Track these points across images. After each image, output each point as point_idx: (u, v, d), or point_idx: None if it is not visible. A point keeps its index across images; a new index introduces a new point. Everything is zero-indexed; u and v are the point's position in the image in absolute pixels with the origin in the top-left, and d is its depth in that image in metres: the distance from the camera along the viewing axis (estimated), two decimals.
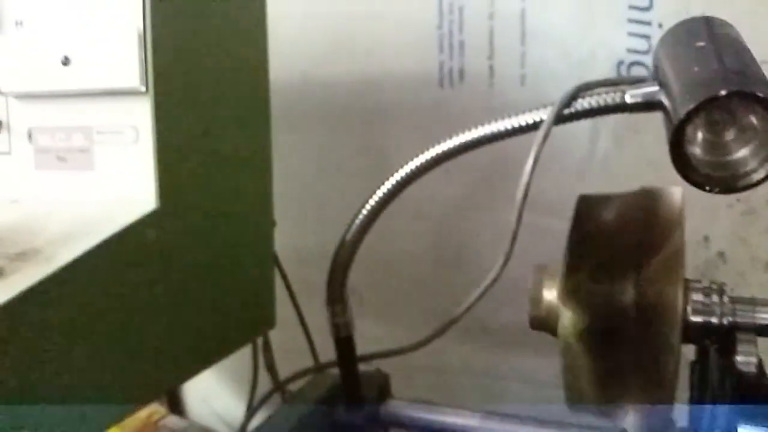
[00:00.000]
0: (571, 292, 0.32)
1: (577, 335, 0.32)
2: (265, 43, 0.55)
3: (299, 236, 0.77)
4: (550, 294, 0.33)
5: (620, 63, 0.69)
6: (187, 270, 0.48)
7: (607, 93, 0.43)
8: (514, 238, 0.43)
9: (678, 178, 0.36)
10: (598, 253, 0.32)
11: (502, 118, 0.46)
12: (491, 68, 0.74)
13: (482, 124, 0.46)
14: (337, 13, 0.79)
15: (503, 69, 0.74)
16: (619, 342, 0.32)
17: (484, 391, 0.81)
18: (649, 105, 0.41)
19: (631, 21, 0.68)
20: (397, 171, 0.49)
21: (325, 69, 0.80)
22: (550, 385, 0.77)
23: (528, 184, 0.42)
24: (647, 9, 0.67)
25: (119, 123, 0.46)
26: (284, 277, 0.65)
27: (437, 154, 0.48)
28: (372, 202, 0.51)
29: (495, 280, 0.46)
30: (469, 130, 0.47)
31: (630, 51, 0.68)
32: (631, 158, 0.71)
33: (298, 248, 0.76)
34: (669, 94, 0.39)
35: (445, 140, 0.48)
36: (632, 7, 0.68)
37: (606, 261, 0.32)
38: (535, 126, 0.44)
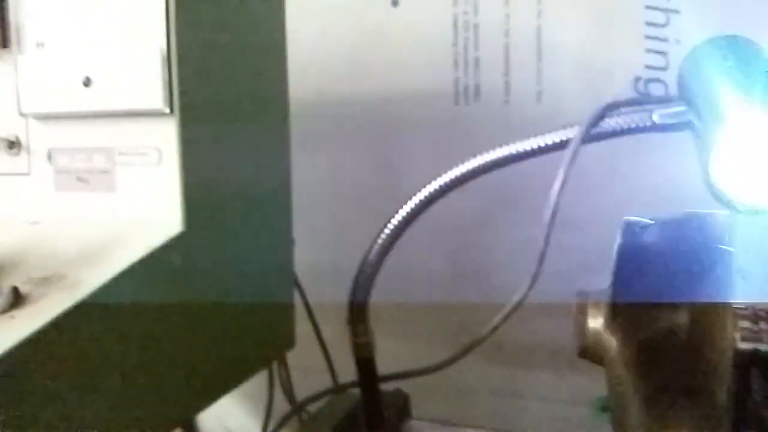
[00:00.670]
0: (618, 320, 0.32)
1: (624, 363, 0.32)
2: (284, 62, 0.55)
3: (314, 253, 0.77)
4: (596, 322, 0.33)
5: (638, 79, 0.69)
6: (211, 293, 0.48)
7: (634, 113, 0.42)
8: (541, 259, 0.43)
9: (699, 193, 0.36)
10: (645, 279, 0.32)
11: (519, 134, 0.46)
12: (507, 85, 0.74)
13: (498, 141, 0.46)
14: (352, 31, 0.79)
15: (519, 85, 0.74)
16: (668, 370, 0.31)
17: (502, 409, 0.80)
18: (678, 125, 0.41)
19: (648, 37, 0.68)
20: (412, 188, 0.49)
21: (341, 86, 0.80)
22: (569, 404, 0.76)
23: (556, 205, 0.42)
24: (664, 25, 0.67)
25: (142, 144, 0.45)
26: (303, 296, 0.64)
27: (461, 174, 0.48)
28: (394, 221, 0.50)
29: (521, 301, 0.45)
30: (486, 146, 0.47)
31: (647, 67, 0.68)
32: (649, 173, 0.71)
33: (313, 265, 0.76)
34: (699, 115, 0.38)
35: (460, 157, 0.47)
36: (649, 24, 0.68)
37: (653, 287, 0.31)
38: (561, 146, 0.44)
